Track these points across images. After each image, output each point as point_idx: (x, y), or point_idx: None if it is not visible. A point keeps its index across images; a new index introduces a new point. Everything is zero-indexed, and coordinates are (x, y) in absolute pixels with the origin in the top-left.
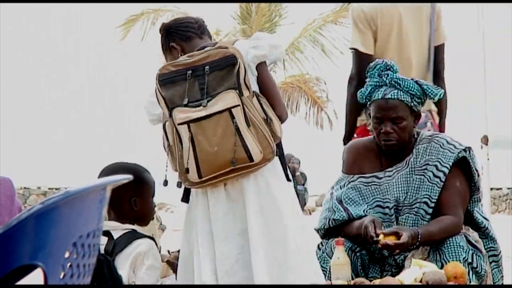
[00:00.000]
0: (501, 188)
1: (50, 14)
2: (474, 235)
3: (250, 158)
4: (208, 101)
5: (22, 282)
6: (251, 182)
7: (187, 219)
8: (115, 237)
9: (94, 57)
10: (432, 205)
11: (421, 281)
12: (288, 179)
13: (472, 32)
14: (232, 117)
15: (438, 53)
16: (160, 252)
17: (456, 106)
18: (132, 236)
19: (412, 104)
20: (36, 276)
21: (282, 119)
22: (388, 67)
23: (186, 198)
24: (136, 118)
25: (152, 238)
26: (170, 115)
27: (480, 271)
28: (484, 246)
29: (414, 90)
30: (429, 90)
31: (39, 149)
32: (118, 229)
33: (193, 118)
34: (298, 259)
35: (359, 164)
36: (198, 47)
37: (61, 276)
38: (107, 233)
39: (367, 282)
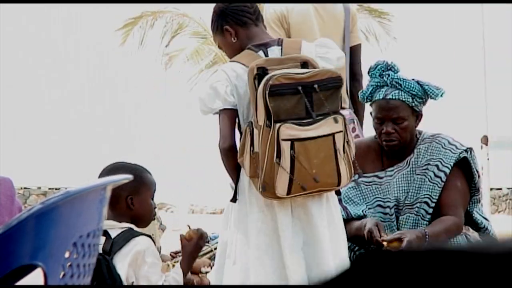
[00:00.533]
0: (501, 188)
1: (50, 14)
2: (474, 235)
3: (339, 183)
4: (315, 122)
5: (22, 282)
6: (316, 197)
7: (236, 219)
8: (112, 236)
9: (94, 58)
10: (433, 205)
11: None
12: (338, 193)
13: (472, 32)
14: (334, 142)
15: (354, 54)
16: (160, 252)
17: (456, 106)
18: (130, 235)
19: (414, 104)
20: (36, 276)
21: None
22: (389, 67)
23: (235, 198)
24: (136, 118)
25: (150, 237)
26: (269, 126)
27: None
28: None
29: (415, 90)
30: (430, 90)
31: (39, 149)
32: (115, 227)
33: (301, 137)
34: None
35: (360, 163)
36: (261, 41)
37: (61, 276)
38: (104, 232)
39: None
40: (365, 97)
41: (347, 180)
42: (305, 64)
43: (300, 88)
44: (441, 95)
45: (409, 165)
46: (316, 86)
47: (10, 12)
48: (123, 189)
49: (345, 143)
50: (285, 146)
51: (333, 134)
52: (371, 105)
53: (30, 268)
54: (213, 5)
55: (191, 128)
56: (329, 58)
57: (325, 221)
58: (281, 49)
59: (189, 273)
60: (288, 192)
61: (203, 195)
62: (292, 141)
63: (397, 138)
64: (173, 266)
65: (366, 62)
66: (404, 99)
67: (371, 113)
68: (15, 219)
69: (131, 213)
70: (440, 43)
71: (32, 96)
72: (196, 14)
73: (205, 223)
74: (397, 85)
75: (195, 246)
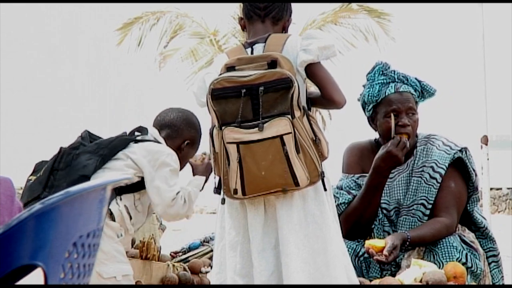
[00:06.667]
0: (501, 188)
1: (50, 14)
2: (469, 236)
3: (296, 184)
4: (261, 125)
5: (22, 282)
6: (286, 198)
7: (221, 216)
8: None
9: (93, 58)
10: (429, 206)
11: (421, 281)
12: (325, 189)
13: (472, 32)
14: (283, 144)
15: None
16: (160, 252)
17: (456, 106)
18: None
19: (417, 100)
20: (36, 276)
21: (340, 105)
22: (388, 66)
23: (218, 190)
24: (136, 118)
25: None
26: (220, 128)
27: (475, 270)
28: (483, 246)
29: (417, 86)
30: (428, 87)
31: (39, 149)
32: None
33: (244, 140)
34: (338, 268)
35: (362, 165)
36: (253, 39)
37: (61, 276)
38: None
39: (367, 282)
40: (373, 96)
41: (306, 180)
42: (273, 62)
43: (244, 91)
44: (434, 93)
45: (408, 167)
46: (262, 88)
47: (10, 13)
48: (186, 134)
49: (304, 143)
50: (232, 149)
51: (280, 136)
52: (378, 103)
53: (30, 268)
54: (213, 4)
55: None
56: (310, 50)
57: (293, 223)
58: (264, 45)
59: (189, 273)
60: (244, 194)
61: (203, 195)
62: (238, 144)
63: (410, 132)
64: (173, 266)
65: (365, 62)
66: (413, 93)
67: (371, 116)
68: (15, 219)
69: (177, 154)
70: (440, 43)
71: (32, 96)
72: (197, 13)
73: (205, 223)
74: (404, 79)
75: (205, 165)
